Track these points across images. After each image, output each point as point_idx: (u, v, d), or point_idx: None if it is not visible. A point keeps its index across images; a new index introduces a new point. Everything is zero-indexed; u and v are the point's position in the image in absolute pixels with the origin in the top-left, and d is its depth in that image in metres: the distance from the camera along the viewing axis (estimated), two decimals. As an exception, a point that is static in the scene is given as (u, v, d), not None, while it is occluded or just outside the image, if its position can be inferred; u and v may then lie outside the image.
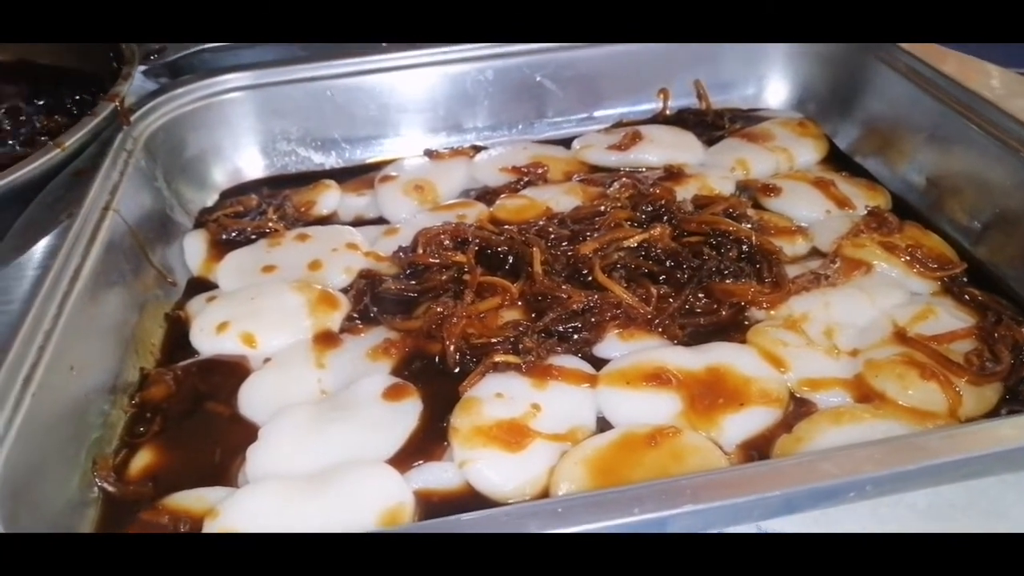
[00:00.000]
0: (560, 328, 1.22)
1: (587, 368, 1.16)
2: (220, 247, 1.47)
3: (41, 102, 1.63)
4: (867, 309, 1.24)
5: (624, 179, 1.53)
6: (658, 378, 1.11)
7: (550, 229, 1.38)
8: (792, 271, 1.31)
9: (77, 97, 1.64)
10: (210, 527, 0.97)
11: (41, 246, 1.19)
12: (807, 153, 1.66)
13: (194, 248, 1.48)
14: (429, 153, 1.70)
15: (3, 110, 1.62)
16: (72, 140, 1.38)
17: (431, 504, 1.01)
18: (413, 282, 1.33)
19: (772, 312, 1.25)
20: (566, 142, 1.74)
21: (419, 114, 1.75)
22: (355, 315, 1.30)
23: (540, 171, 1.62)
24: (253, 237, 1.48)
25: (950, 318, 1.21)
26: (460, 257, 1.32)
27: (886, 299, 1.25)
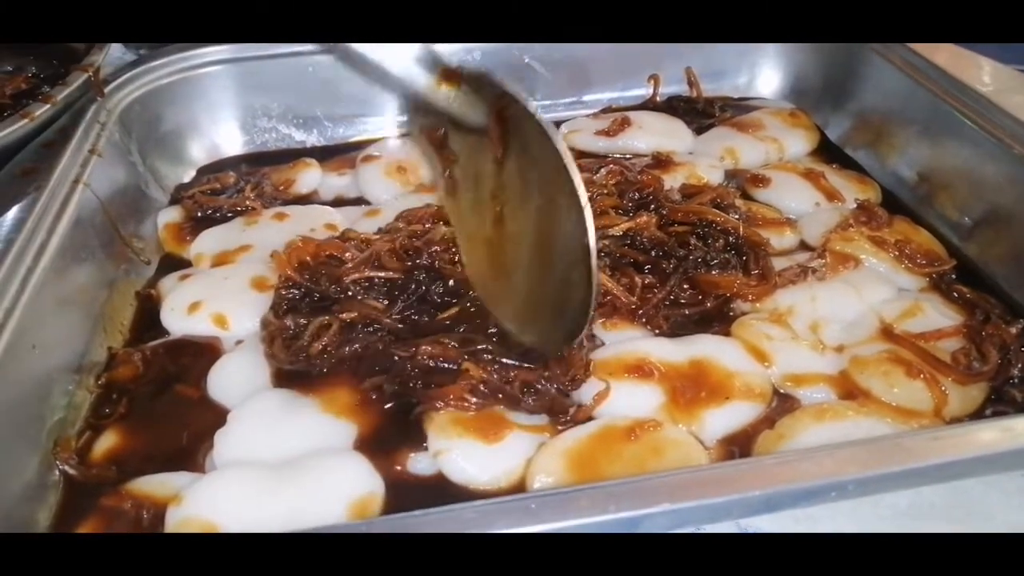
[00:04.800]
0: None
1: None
2: (195, 224, 1.44)
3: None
4: (854, 304, 1.22)
5: (611, 165, 1.50)
6: (640, 370, 1.09)
7: (535, 214, 1.34)
8: (779, 264, 1.29)
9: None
10: (173, 513, 0.94)
11: (6, 219, 1.15)
12: (798, 144, 1.64)
13: (168, 225, 1.44)
14: (413, 134, 1.67)
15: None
16: (42, 110, 1.34)
17: (403, 494, 0.98)
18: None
19: (758, 305, 1.23)
20: (554, 126, 1.71)
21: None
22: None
23: (526, 155, 1.59)
24: (229, 215, 1.46)
25: (938, 315, 1.19)
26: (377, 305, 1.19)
27: (873, 294, 1.23)
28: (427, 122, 1.09)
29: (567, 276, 0.95)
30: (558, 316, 0.99)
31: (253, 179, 1.54)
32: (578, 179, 0.92)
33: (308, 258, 1.24)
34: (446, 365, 1.08)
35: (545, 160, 0.94)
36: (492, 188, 1.04)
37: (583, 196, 0.91)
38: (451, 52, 1.64)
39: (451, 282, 1.20)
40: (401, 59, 1.00)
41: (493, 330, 1.11)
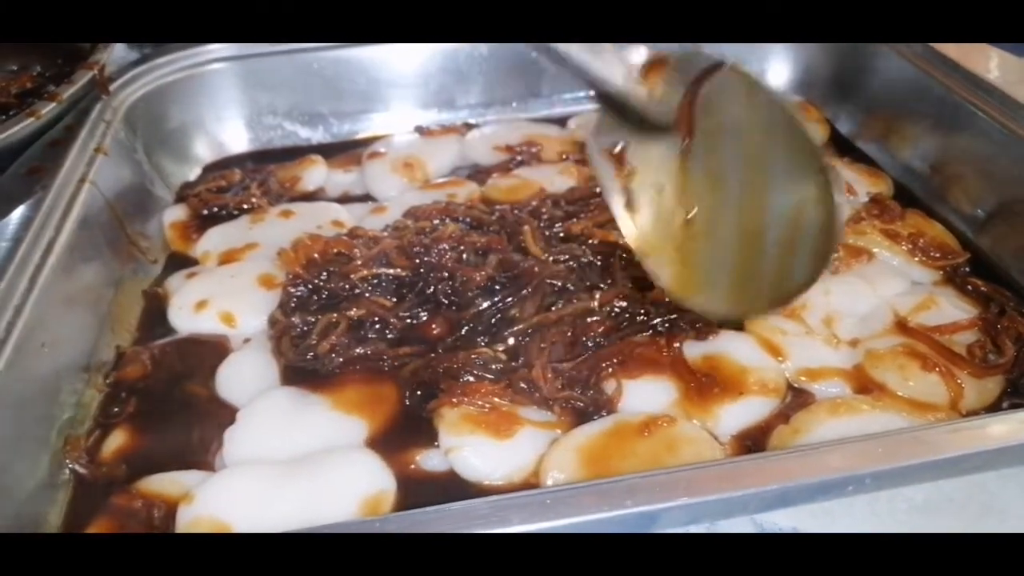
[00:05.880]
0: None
1: (579, 354, 1.12)
2: (201, 222, 1.43)
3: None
4: (868, 298, 1.21)
5: (621, 160, 1.49)
6: (653, 365, 1.07)
7: (543, 210, 1.34)
8: (791, 257, 1.28)
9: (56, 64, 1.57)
10: (184, 512, 0.93)
11: (13, 218, 1.15)
12: (808, 137, 1.63)
13: (174, 223, 1.44)
14: (420, 130, 1.67)
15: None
16: (47, 109, 1.33)
17: (415, 492, 0.97)
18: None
19: (771, 299, 1.21)
20: (561, 121, 1.71)
21: (410, 89, 1.71)
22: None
23: (534, 150, 1.59)
24: (235, 213, 1.45)
25: (952, 308, 1.18)
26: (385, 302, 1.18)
27: (887, 288, 1.22)
28: (607, 140, 1.06)
29: (794, 236, 0.94)
30: (777, 287, 0.98)
31: (259, 176, 1.53)
32: (806, 128, 0.91)
33: (316, 255, 1.23)
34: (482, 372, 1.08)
35: (758, 120, 0.92)
36: (678, 187, 1.02)
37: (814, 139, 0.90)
38: (457, 47, 1.68)
39: (458, 282, 1.18)
40: (604, 55, 0.96)
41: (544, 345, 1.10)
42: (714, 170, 1.00)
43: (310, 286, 1.21)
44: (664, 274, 1.06)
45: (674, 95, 0.98)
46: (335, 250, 1.24)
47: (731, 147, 0.97)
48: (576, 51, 0.97)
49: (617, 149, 1.03)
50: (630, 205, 1.06)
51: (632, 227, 1.06)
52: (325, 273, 1.21)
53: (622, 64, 0.97)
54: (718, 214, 1.01)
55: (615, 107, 1.01)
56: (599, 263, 1.23)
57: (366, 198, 1.53)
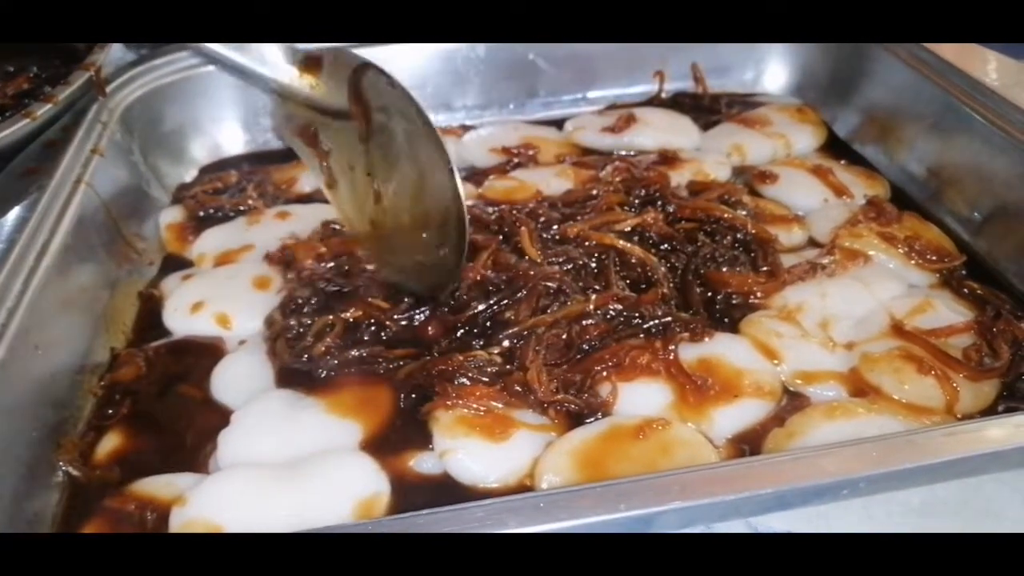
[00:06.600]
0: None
1: (574, 356, 1.12)
2: (197, 224, 1.43)
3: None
4: (864, 301, 1.20)
5: (617, 162, 1.50)
6: (648, 368, 1.07)
7: (540, 212, 1.34)
8: (788, 261, 1.28)
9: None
10: (177, 515, 0.93)
11: (9, 219, 1.15)
12: (805, 140, 1.63)
13: (170, 224, 1.44)
14: (417, 132, 1.66)
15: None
16: (44, 110, 1.33)
17: (409, 495, 0.97)
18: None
19: (767, 302, 1.21)
20: (558, 123, 1.71)
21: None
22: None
23: (531, 152, 1.59)
24: (231, 214, 1.45)
25: (948, 312, 1.18)
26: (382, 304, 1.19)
27: (883, 291, 1.22)
28: (297, 122, 1.19)
29: (442, 228, 1.08)
30: (436, 265, 1.13)
31: (255, 178, 1.53)
32: (438, 136, 1.04)
33: (324, 250, 1.25)
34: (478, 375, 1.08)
35: (407, 119, 1.05)
36: (365, 168, 1.14)
37: (444, 148, 1.04)
38: (454, 49, 1.68)
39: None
40: (262, 55, 1.10)
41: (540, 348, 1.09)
42: (386, 159, 1.13)
43: (318, 284, 1.21)
44: (365, 245, 1.23)
45: (336, 88, 1.13)
46: (342, 252, 1.26)
47: (394, 139, 1.11)
48: (237, 56, 1.13)
49: (311, 130, 1.18)
50: (331, 182, 1.21)
51: (335, 202, 1.22)
52: (329, 270, 1.22)
53: (278, 61, 1.13)
54: (395, 198, 1.14)
55: (291, 98, 1.16)
56: (594, 266, 1.23)
57: (363, 200, 1.53)
